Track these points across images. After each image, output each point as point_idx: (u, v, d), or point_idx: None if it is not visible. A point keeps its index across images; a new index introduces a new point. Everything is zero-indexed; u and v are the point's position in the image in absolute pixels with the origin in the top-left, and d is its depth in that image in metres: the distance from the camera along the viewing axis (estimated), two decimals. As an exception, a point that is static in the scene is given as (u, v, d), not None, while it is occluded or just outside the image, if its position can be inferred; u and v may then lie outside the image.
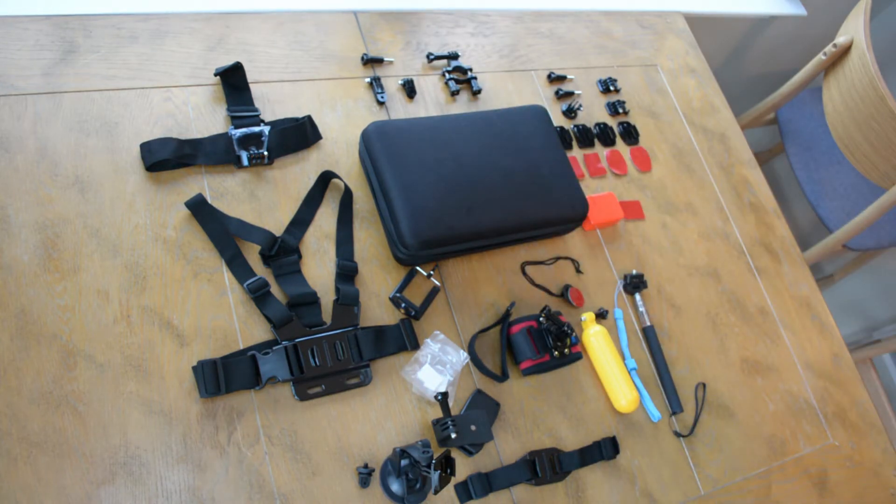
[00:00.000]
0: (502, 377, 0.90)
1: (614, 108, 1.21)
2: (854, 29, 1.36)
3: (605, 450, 0.90)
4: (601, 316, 1.00)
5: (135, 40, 0.94)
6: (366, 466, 0.79)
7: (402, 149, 0.89)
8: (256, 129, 0.92)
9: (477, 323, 0.93)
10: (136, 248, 0.82)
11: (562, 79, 1.20)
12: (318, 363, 0.82)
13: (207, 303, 0.82)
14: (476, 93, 1.10)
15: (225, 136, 0.91)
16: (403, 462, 0.76)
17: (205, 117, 0.92)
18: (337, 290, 0.87)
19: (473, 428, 0.83)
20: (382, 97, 1.03)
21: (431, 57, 1.10)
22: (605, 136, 1.17)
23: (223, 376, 0.76)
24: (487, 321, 0.94)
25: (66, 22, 0.91)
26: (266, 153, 0.92)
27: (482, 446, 0.85)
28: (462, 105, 1.10)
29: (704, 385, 1.03)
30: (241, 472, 0.75)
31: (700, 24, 1.53)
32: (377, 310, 0.89)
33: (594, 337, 0.97)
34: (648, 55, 1.32)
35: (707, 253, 1.15)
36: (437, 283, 0.93)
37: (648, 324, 1.03)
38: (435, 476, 0.75)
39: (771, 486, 0.99)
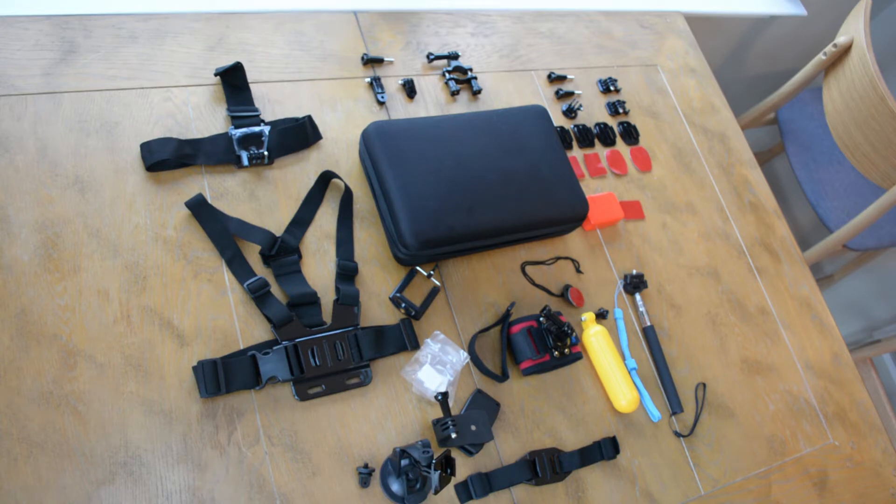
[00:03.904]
0: (502, 377, 0.90)
1: (614, 108, 1.21)
2: (854, 29, 1.36)
3: (605, 450, 0.90)
4: (601, 316, 1.00)
5: (135, 40, 0.94)
6: (366, 466, 0.79)
7: (402, 149, 0.89)
8: (256, 129, 0.92)
9: (477, 323, 0.93)
10: (136, 248, 0.82)
11: (562, 79, 1.20)
12: (318, 363, 0.82)
13: (207, 303, 0.82)
14: (476, 93, 1.10)
15: (225, 136, 0.91)
16: (403, 462, 0.76)
17: (205, 117, 0.92)
18: (337, 290, 0.87)
19: (473, 428, 0.83)
20: (382, 97, 1.03)
21: (431, 57, 1.10)
22: (605, 136, 1.17)
23: (223, 376, 0.76)
24: (487, 321, 0.94)
25: (66, 22, 0.91)
26: (266, 153, 0.92)
27: (482, 446, 0.85)
28: (462, 105, 1.10)
29: (704, 385, 1.03)
30: (241, 472, 0.75)
31: (700, 24, 1.53)
32: (377, 310, 0.89)
33: (594, 337, 0.97)
34: (648, 55, 1.32)
35: (707, 253, 1.15)
36: (437, 283, 0.93)
37: (648, 324, 1.03)
38: (435, 476, 0.75)
39: (771, 486, 0.99)
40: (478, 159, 0.91)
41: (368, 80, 1.05)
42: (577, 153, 1.14)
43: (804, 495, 1.00)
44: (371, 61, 1.06)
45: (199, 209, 0.85)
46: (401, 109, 1.05)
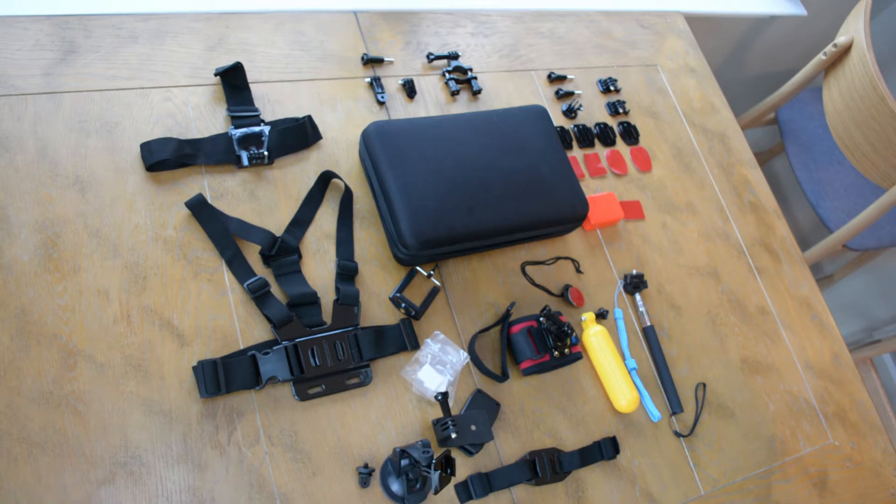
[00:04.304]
0: (502, 377, 0.90)
1: (614, 108, 1.21)
2: (854, 29, 1.36)
3: (605, 450, 0.90)
4: (601, 316, 1.00)
5: (135, 40, 0.94)
6: (366, 466, 0.79)
7: (402, 149, 0.89)
8: (256, 128, 0.92)
9: (477, 323, 0.93)
10: (136, 248, 0.82)
11: (562, 79, 1.20)
12: (318, 363, 0.82)
13: (207, 303, 0.82)
14: (476, 93, 1.10)
15: (225, 136, 0.91)
16: (403, 462, 0.76)
17: (205, 117, 0.92)
18: (337, 290, 0.87)
19: (473, 428, 0.83)
20: (382, 97, 1.03)
21: (431, 57, 1.10)
22: (605, 136, 1.17)
23: (223, 376, 0.76)
24: (487, 321, 0.94)
25: (66, 22, 0.91)
26: (266, 153, 0.92)
27: (482, 446, 0.85)
28: (462, 105, 1.10)
29: (704, 385, 1.03)
30: (241, 472, 0.75)
31: (700, 24, 1.53)
32: (377, 310, 0.89)
33: (594, 337, 0.97)
34: (648, 55, 1.32)
35: (707, 253, 1.15)
36: (437, 283, 0.93)
37: (648, 324, 1.03)
38: (435, 476, 0.75)
39: (771, 486, 0.99)
40: (478, 159, 0.91)
41: (368, 80, 1.05)
42: (577, 153, 1.14)
43: (804, 495, 1.00)
44: (371, 61, 1.06)
45: (199, 209, 0.85)
46: (401, 109, 1.05)
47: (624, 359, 0.99)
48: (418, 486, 0.78)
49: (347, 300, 0.86)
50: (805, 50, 1.90)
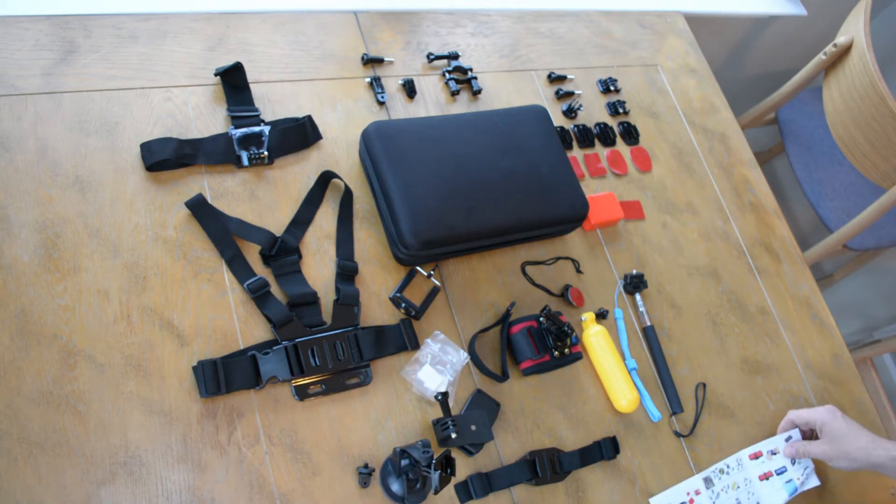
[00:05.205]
0: (502, 377, 0.90)
1: (614, 108, 1.21)
2: (854, 29, 1.36)
3: (605, 450, 0.90)
4: (601, 316, 1.00)
5: (135, 40, 0.94)
6: (366, 466, 0.79)
7: (402, 149, 0.89)
8: (257, 128, 0.92)
9: (477, 323, 0.93)
10: (136, 248, 0.82)
11: (562, 79, 1.20)
12: (318, 363, 0.82)
13: (207, 303, 0.82)
14: (476, 93, 1.10)
15: (225, 136, 0.91)
16: (403, 462, 0.76)
17: (205, 117, 0.92)
18: (337, 289, 0.87)
19: (473, 428, 0.83)
20: (382, 97, 1.03)
21: (431, 57, 1.10)
22: (605, 136, 1.17)
23: (223, 376, 0.76)
24: (487, 321, 0.94)
25: (66, 22, 0.91)
26: (266, 153, 0.92)
27: (482, 446, 0.85)
28: (462, 105, 1.10)
29: (704, 385, 1.03)
30: (241, 472, 0.75)
31: (700, 24, 1.53)
32: (377, 310, 0.89)
33: (594, 337, 0.97)
34: (648, 55, 1.32)
35: (707, 253, 1.15)
36: (437, 283, 0.93)
37: (648, 324, 1.03)
38: (435, 476, 0.75)
39: (771, 486, 0.99)
40: (478, 159, 0.91)
41: (368, 80, 1.05)
42: (577, 153, 1.14)
43: (804, 495, 1.00)
44: (371, 61, 1.06)
45: (199, 209, 0.85)
46: (401, 109, 1.05)
47: (624, 359, 0.99)
48: (418, 486, 0.78)
49: (347, 300, 0.86)
50: (805, 50, 1.89)
